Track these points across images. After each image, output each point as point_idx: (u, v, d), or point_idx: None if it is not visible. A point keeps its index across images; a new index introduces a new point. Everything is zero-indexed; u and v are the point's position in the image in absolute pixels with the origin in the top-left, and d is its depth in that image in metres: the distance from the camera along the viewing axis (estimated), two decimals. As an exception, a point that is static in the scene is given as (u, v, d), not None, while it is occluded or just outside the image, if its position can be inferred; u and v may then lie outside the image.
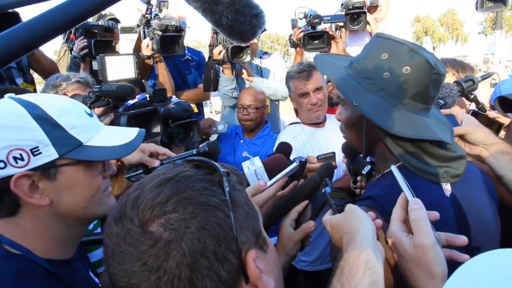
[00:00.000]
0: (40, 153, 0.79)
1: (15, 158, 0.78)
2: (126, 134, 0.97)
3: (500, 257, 0.46)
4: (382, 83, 0.98)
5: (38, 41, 0.60)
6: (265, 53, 3.29)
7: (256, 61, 3.17)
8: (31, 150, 0.78)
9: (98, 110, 1.64)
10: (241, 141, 2.68)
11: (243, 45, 2.37)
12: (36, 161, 0.79)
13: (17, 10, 1.99)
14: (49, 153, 0.80)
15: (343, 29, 2.96)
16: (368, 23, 2.77)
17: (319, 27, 2.61)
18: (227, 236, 0.58)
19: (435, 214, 0.80)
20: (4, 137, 0.77)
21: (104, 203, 0.93)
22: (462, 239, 0.78)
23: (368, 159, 1.62)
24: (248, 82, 3.03)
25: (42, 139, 0.80)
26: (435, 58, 0.98)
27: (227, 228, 0.58)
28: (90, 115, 0.92)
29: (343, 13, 2.75)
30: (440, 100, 1.63)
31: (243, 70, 2.96)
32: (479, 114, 1.45)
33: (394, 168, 0.86)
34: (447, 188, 0.99)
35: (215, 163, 0.65)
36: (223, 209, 0.59)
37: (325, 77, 2.36)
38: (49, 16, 0.59)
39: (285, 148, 1.39)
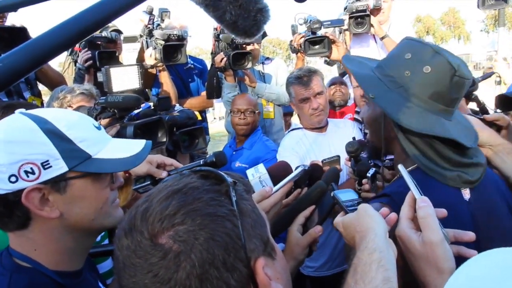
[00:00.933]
0: (51, 166, 0.81)
1: (26, 172, 0.80)
2: (133, 146, 0.99)
3: (502, 256, 0.47)
4: (403, 81, 1.01)
5: (47, 56, 0.62)
6: (267, 58, 3.31)
7: (259, 67, 3.19)
8: (41, 164, 0.80)
9: (104, 121, 1.66)
10: (234, 152, 2.70)
11: (248, 40, 2.38)
12: (47, 175, 0.81)
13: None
14: (59, 167, 0.82)
15: (347, 32, 2.99)
16: (372, 25, 2.80)
17: (319, 32, 2.63)
18: (236, 246, 0.59)
19: (443, 212, 0.82)
20: (16, 152, 0.79)
21: (112, 215, 0.94)
22: (470, 235, 0.80)
23: (371, 162, 1.63)
24: (251, 88, 3.06)
25: (53, 153, 0.82)
26: (460, 61, 1.00)
27: (235, 238, 0.59)
28: (98, 128, 0.94)
29: (347, 16, 2.77)
30: None
31: (246, 77, 2.98)
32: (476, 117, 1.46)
33: (401, 167, 0.89)
34: (466, 192, 1.00)
35: (222, 173, 0.66)
36: (231, 219, 0.60)
37: (325, 81, 2.38)
38: (55, 33, 0.61)
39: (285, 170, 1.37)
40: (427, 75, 0.98)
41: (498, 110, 1.68)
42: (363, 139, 2.01)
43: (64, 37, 0.61)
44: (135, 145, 0.99)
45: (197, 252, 0.56)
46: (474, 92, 1.78)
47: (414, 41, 1.06)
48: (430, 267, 0.72)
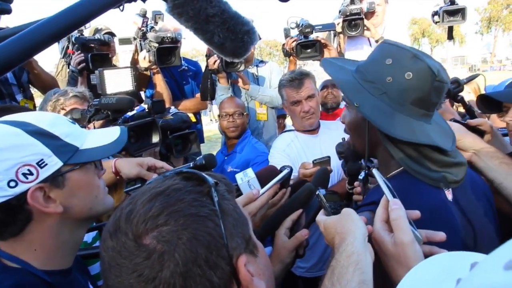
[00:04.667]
0: (46, 164, 0.84)
1: (24, 174, 0.82)
2: (111, 133, 1.04)
3: (443, 260, 0.50)
4: (385, 87, 1.01)
5: (33, 50, 0.63)
6: (261, 61, 3.33)
7: (253, 70, 3.21)
8: (37, 163, 0.83)
9: (98, 123, 1.68)
10: (226, 158, 2.72)
11: (236, 61, 2.40)
12: (45, 173, 0.84)
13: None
14: (54, 163, 0.86)
15: (341, 35, 3.02)
16: (368, 28, 2.84)
17: (311, 36, 2.66)
18: (218, 244, 0.61)
19: (416, 213, 0.84)
20: (9, 158, 0.81)
21: (105, 202, 1.00)
22: (440, 236, 0.82)
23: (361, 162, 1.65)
24: (244, 90, 3.08)
25: (45, 151, 0.84)
26: (439, 65, 1.00)
27: (217, 237, 0.61)
28: (73, 123, 0.98)
29: (341, 19, 2.80)
30: None
31: (239, 79, 3.00)
32: (460, 123, 1.47)
33: (375, 171, 0.90)
34: (448, 193, 1.01)
35: (204, 174, 0.68)
36: (212, 218, 0.62)
37: (317, 84, 2.40)
38: (41, 28, 0.63)
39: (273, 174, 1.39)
40: (408, 81, 0.98)
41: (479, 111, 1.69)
42: None
43: (50, 31, 0.63)
44: (112, 132, 1.04)
45: (181, 252, 0.58)
46: (459, 94, 1.79)
47: (393, 45, 1.05)
48: (401, 267, 0.74)
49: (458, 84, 1.77)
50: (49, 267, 0.89)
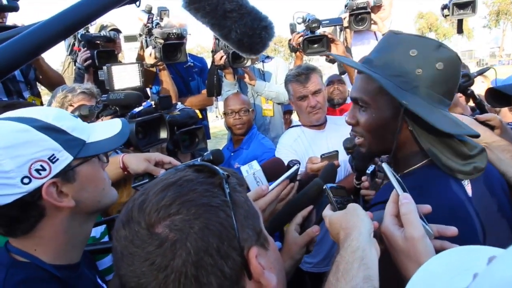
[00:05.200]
0: (57, 159, 0.85)
1: (37, 170, 0.82)
2: (113, 125, 1.04)
3: (456, 255, 0.49)
4: (416, 80, 0.95)
5: (41, 48, 0.63)
6: (267, 57, 3.32)
7: (259, 65, 3.20)
8: (49, 158, 0.84)
9: (106, 119, 1.68)
10: (232, 154, 2.71)
11: (253, 57, 2.39)
12: (57, 167, 0.85)
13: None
14: (65, 157, 0.86)
15: (347, 30, 3.00)
16: (375, 22, 2.81)
17: (318, 31, 2.63)
18: (229, 235, 0.61)
19: (427, 207, 0.83)
20: (20, 154, 0.81)
21: (110, 194, 1.01)
22: (452, 230, 0.81)
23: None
24: (251, 86, 3.07)
25: (55, 146, 0.85)
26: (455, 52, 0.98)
27: (229, 227, 0.61)
28: (76, 116, 0.98)
29: (348, 14, 2.78)
30: None
31: (245, 74, 2.99)
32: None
33: (385, 165, 0.89)
34: (468, 188, 0.99)
35: (216, 167, 0.68)
36: (224, 209, 0.62)
37: (324, 79, 2.38)
38: (48, 25, 0.63)
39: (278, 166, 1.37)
40: (441, 72, 0.94)
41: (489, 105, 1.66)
42: None
43: (56, 30, 0.63)
44: (115, 125, 1.05)
45: (192, 240, 0.58)
46: (470, 88, 1.76)
47: (408, 35, 0.99)
48: (411, 263, 0.73)
49: (469, 78, 1.74)
50: (58, 261, 0.90)
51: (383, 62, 1.00)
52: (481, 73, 1.91)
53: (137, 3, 0.74)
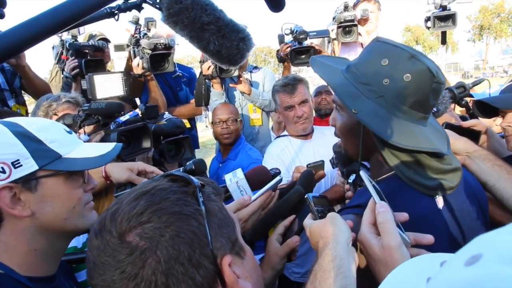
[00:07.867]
0: (21, 165, 0.84)
1: None
2: (103, 147, 1.03)
3: (421, 261, 0.50)
4: (382, 90, 0.95)
5: (24, 45, 0.63)
6: (255, 67, 3.35)
7: (246, 75, 3.22)
8: (12, 163, 0.83)
9: (88, 128, 1.67)
10: (220, 165, 2.71)
11: (232, 68, 2.40)
12: (17, 173, 0.83)
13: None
14: (30, 165, 0.85)
15: (335, 41, 3.06)
16: (360, 34, 2.88)
17: (305, 42, 2.68)
18: (202, 243, 0.61)
19: (404, 215, 0.83)
20: None
21: (86, 216, 0.96)
22: (428, 239, 0.81)
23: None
24: (238, 96, 3.08)
25: (22, 152, 0.84)
26: (436, 66, 0.95)
27: (201, 235, 0.61)
28: (69, 132, 0.97)
29: (335, 26, 2.84)
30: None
31: (242, 84, 2.98)
32: (454, 126, 1.48)
33: (362, 173, 0.89)
34: (439, 200, 0.97)
35: (190, 176, 0.68)
36: (197, 217, 0.62)
37: (311, 90, 2.40)
38: (33, 22, 0.62)
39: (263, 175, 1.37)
40: (407, 84, 0.92)
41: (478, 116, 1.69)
42: None
43: (42, 26, 0.63)
44: (105, 147, 1.03)
45: (163, 249, 0.58)
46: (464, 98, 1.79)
47: (388, 44, 0.98)
48: (388, 271, 0.72)
49: (464, 89, 1.76)
50: (32, 273, 0.88)
51: (358, 69, 1.00)
52: (475, 84, 1.96)
53: (116, 17, 0.74)
